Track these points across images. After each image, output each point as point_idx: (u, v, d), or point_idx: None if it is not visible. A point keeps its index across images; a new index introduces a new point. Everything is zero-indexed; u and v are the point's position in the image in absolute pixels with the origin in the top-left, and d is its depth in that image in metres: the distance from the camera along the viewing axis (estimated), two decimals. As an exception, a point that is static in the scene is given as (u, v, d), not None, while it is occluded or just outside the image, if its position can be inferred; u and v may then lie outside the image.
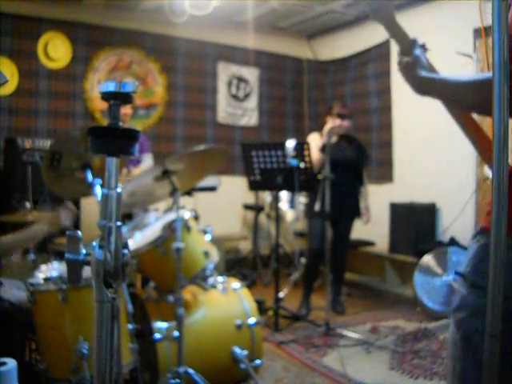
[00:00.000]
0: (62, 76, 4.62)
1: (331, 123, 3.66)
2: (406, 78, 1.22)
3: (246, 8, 4.85)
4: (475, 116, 1.30)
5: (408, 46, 1.22)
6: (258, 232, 5.29)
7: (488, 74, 1.03)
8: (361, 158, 3.86)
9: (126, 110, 3.77)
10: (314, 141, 3.72)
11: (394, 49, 4.81)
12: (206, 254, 2.31)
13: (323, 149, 3.47)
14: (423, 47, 1.29)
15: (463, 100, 1.15)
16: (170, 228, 2.19)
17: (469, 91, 1.11)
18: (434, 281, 3.70)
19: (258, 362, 2.40)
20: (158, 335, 2.18)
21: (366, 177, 3.95)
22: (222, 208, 5.05)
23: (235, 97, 5.58)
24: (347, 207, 3.80)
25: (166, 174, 2.06)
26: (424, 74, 1.20)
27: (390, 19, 1.25)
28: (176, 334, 2.08)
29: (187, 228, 2.26)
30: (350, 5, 4.72)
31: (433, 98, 1.22)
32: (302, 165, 3.35)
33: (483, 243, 1.10)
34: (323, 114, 3.91)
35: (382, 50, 4.86)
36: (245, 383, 2.37)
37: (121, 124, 0.82)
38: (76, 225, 2.26)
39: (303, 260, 4.69)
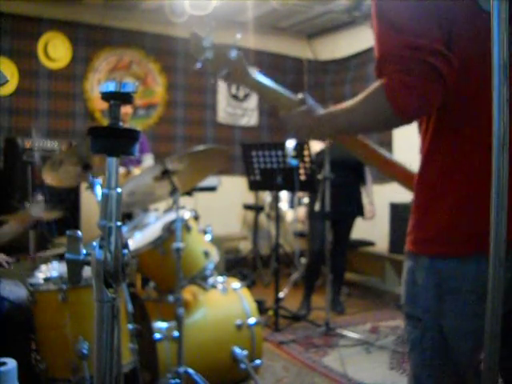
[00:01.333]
0: (62, 76, 4.62)
1: None
2: (299, 127, 1.16)
3: (246, 8, 4.85)
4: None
5: (297, 104, 1.15)
6: (258, 232, 5.29)
7: (372, 86, 1.01)
8: None
9: (126, 109, 3.77)
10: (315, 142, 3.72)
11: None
12: (206, 254, 2.31)
13: (319, 154, 3.50)
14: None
15: (360, 120, 1.07)
16: (169, 228, 2.19)
17: (363, 109, 1.04)
18: (434, 281, 3.70)
19: (257, 362, 2.40)
20: (157, 335, 2.18)
21: (369, 174, 3.94)
22: (222, 208, 5.06)
23: (235, 97, 5.58)
24: (347, 207, 3.80)
25: (166, 173, 2.06)
26: (321, 111, 1.14)
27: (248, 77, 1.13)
28: (176, 334, 2.08)
29: (187, 228, 2.26)
30: (349, 5, 4.72)
31: (329, 130, 1.15)
32: (301, 165, 3.36)
33: (408, 268, 1.04)
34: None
35: (382, 50, 4.86)
36: (245, 383, 2.37)
37: (121, 124, 0.82)
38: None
39: (303, 260, 4.69)
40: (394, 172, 1.29)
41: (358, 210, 3.88)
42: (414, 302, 1.01)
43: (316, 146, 3.71)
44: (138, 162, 3.87)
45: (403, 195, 5.14)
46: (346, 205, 3.78)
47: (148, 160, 3.92)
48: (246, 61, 1.16)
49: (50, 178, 2.07)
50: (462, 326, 0.94)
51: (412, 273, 1.02)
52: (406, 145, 4.72)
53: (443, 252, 0.97)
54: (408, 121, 1.00)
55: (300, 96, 1.19)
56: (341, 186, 3.61)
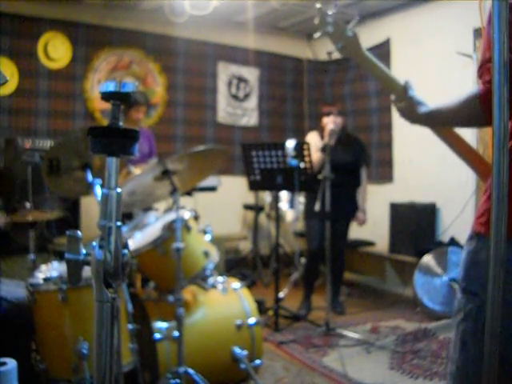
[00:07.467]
0: (62, 76, 4.62)
1: (325, 123, 3.67)
2: (406, 118, 1.37)
3: (246, 8, 4.85)
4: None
5: (402, 90, 1.34)
6: (258, 232, 5.29)
7: (470, 91, 1.17)
8: (358, 159, 3.83)
9: (138, 114, 3.70)
10: (313, 140, 3.71)
11: (394, 49, 4.81)
12: (206, 253, 2.31)
13: (323, 149, 3.45)
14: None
15: (456, 119, 1.27)
16: (169, 228, 2.19)
17: (459, 111, 1.22)
18: (434, 281, 3.70)
19: (257, 362, 2.40)
20: (157, 335, 2.18)
21: (365, 177, 3.92)
22: (222, 208, 5.05)
23: (235, 97, 5.58)
24: (344, 208, 3.78)
25: (165, 173, 2.06)
26: (423, 110, 1.31)
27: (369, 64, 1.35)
28: (176, 334, 2.08)
29: (187, 228, 2.26)
30: (349, 5, 4.72)
31: (429, 125, 1.36)
32: (301, 165, 3.35)
33: (472, 249, 1.15)
34: (321, 115, 3.89)
35: (381, 49, 4.86)
36: (245, 383, 2.37)
37: (121, 124, 0.82)
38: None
39: (303, 260, 4.69)
40: (473, 159, 1.48)
41: (356, 210, 3.87)
42: (472, 279, 1.13)
43: (316, 140, 3.69)
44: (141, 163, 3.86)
45: (403, 195, 5.15)
46: (344, 204, 3.77)
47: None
48: (359, 40, 1.40)
49: (54, 186, 2.08)
50: None
51: (475, 253, 1.13)
52: (405, 144, 4.73)
53: (509, 237, 1.02)
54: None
55: (404, 83, 1.37)
56: (338, 186, 3.60)
